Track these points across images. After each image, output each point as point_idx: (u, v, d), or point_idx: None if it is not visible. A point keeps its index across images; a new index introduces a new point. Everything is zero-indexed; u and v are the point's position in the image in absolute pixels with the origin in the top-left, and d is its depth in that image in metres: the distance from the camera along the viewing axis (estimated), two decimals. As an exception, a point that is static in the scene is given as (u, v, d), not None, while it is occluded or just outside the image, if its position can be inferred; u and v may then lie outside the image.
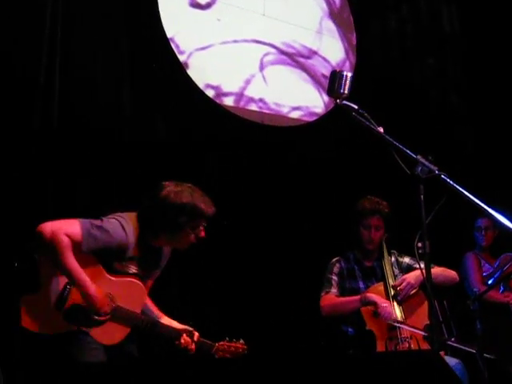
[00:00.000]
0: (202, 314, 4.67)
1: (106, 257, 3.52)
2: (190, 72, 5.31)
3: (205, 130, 5.26)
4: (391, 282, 4.47)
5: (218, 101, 5.44)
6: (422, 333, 4.27)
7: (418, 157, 3.03)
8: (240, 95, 5.59)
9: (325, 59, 6.18)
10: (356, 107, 3.13)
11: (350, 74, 3.15)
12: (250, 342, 3.98)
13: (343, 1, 6.45)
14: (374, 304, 4.29)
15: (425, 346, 4.24)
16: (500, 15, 6.89)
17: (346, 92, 3.13)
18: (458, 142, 6.73)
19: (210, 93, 5.42)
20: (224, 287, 5.01)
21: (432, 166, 3.01)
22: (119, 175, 4.73)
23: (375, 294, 4.37)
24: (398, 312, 4.36)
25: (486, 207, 2.92)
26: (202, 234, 3.67)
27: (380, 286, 4.47)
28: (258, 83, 5.72)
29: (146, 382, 2.60)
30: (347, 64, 6.32)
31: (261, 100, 5.70)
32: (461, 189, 2.95)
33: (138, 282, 3.64)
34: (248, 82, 5.65)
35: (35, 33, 4.51)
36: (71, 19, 4.70)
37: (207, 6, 5.52)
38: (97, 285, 3.44)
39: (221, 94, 5.48)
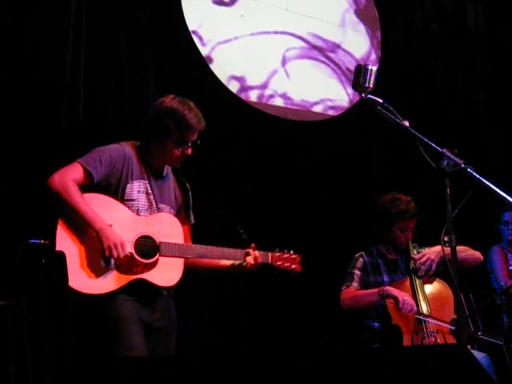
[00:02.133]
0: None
1: (119, 182, 3.48)
2: (213, 65, 5.33)
3: (228, 125, 5.27)
4: (417, 277, 4.45)
5: (241, 95, 5.45)
6: (449, 326, 4.25)
7: (444, 150, 3.02)
8: (263, 89, 5.59)
9: (349, 53, 6.16)
10: (381, 101, 3.12)
11: (374, 68, 3.15)
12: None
13: (369, -4, 6.46)
14: (394, 298, 4.27)
15: (451, 341, 4.23)
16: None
17: (370, 86, 3.12)
18: (483, 142, 6.69)
19: (235, 86, 5.43)
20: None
21: (458, 160, 3.00)
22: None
23: (397, 289, 4.35)
24: (424, 306, 4.35)
25: (513, 201, 2.90)
26: (189, 151, 3.62)
27: (406, 281, 4.46)
28: (281, 78, 5.71)
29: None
30: (371, 58, 6.30)
31: (284, 94, 5.69)
32: (487, 182, 2.93)
33: (168, 214, 3.59)
34: (271, 76, 5.65)
35: (60, 30, 4.53)
36: (95, 17, 4.73)
37: (231, 3, 5.53)
38: (130, 228, 3.39)
39: (244, 87, 5.48)
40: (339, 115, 5.98)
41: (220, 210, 3.74)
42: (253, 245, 3.69)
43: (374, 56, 6.34)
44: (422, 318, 4.26)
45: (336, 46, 6.12)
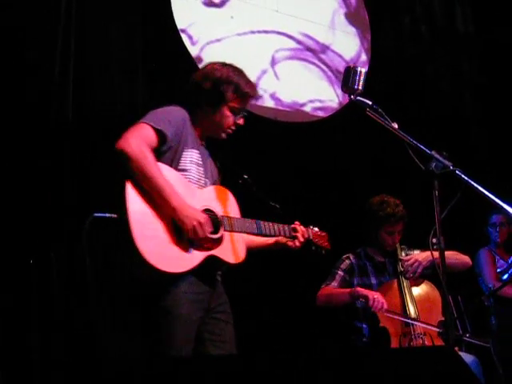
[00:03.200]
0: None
1: (177, 149, 3.22)
2: (202, 65, 5.29)
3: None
4: (404, 279, 4.45)
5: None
6: (435, 328, 4.26)
7: (433, 152, 3.02)
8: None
9: (338, 54, 6.16)
10: (370, 103, 3.13)
11: (364, 70, 3.15)
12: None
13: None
14: (364, 297, 4.26)
15: (439, 343, 4.23)
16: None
17: (360, 88, 3.13)
18: (472, 145, 6.70)
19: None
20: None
21: (446, 162, 3.01)
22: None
23: (382, 290, 4.36)
24: (411, 308, 4.35)
25: (501, 203, 2.91)
26: (241, 121, 3.43)
27: (394, 283, 4.47)
28: (270, 78, 5.71)
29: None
30: (361, 60, 6.30)
31: (273, 95, 5.69)
32: (476, 184, 2.94)
33: (222, 187, 3.42)
34: (260, 76, 5.64)
35: (49, 30, 4.52)
36: (85, 17, 4.71)
37: (221, 4, 5.52)
38: (192, 202, 3.13)
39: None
40: (328, 116, 5.99)
41: (255, 186, 3.62)
42: (297, 221, 3.57)
43: (363, 58, 6.35)
44: (391, 315, 4.25)
45: (326, 48, 6.13)
